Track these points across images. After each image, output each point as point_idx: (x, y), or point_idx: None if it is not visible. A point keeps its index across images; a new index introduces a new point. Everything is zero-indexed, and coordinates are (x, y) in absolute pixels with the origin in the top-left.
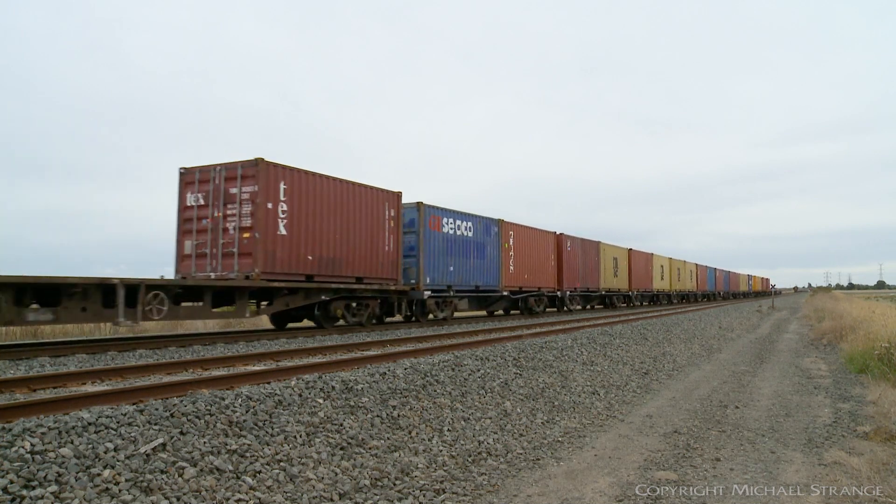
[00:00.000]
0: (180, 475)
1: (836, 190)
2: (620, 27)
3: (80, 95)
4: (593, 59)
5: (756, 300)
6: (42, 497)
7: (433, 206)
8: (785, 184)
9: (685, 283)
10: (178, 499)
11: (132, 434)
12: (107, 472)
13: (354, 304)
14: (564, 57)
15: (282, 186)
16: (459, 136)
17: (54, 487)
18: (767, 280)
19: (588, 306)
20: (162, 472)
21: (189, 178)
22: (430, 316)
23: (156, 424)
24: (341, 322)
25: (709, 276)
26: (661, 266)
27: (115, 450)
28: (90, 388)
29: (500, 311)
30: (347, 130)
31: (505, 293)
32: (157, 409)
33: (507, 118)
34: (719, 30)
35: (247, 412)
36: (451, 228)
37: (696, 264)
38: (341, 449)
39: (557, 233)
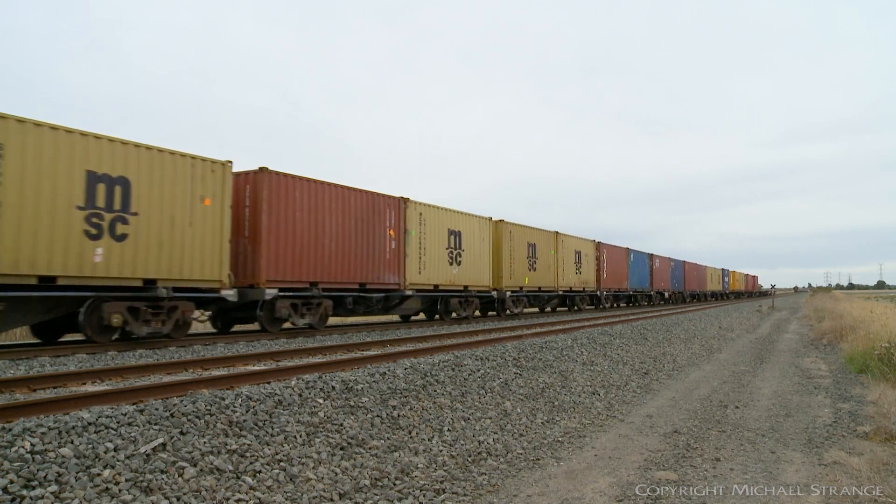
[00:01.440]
0: (180, 475)
1: (836, 190)
2: (620, 27)
3: (80, 95)
4: (593, 59)
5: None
6: (42, 497)
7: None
8: (785, 184)
9: (561, 273)
10: (178, 499)
11: (132, 434)
12: (107, 472)
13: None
14: (564, 57)
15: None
16: (459, 136)
17: (54, 487)
18: (755, 278)
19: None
20: (162, 472)
21: None
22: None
23: (156, 424)
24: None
25: (635, 266)
26: (481, 237)
27: (115, 450)
28: (90, 388)
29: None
30: (347, 130)
31: (560, 292)
32: (157, 409)
33: (507, 118)
34: (719, 30)
35: (247, 412)
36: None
37: (599, 243)
38: (341, 449)
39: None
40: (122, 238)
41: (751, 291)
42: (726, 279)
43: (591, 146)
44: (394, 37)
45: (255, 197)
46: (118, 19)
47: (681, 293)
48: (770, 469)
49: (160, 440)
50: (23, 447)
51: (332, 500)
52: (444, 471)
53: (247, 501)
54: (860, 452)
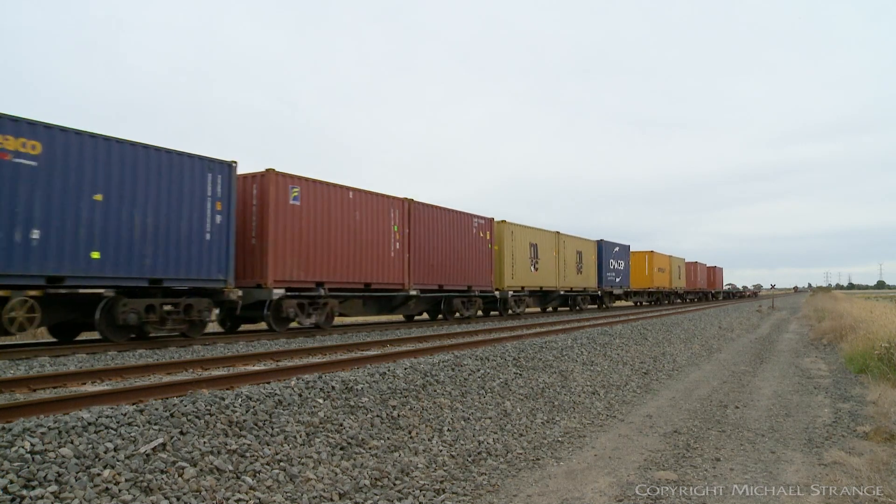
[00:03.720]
0: (180, 475)
1: (836, 190)
2: (617, 27)
3: (78, 95)
4: (590, 60)
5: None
6: (42, 497)
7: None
8: (784, 184)
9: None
10: (178, 499)
11: (132, 434)
12: (107, 472)
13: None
14: (561, 57)
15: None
16: (458, 136)
17: (54, 487)
18: (716, 271)
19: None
20: (162, 472)
21: None
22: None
23: (156, 424)
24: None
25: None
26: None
27: (115, 450)
28: (90, 388)
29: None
30: (345, 131)
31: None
32: (157, 409)
33: (505, 118)
34: (715, 30)
35: (247, 412)
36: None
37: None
38: (341, 449)
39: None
40: None
41: (707, 291)
42: (616, 265)
43: (589, 146)
44: (390, 37)
45: None
46: (112, 17)
47: (422, 293)
48: (770, 469)
49: (160, 440)
50: (23, 447)
51: (332, 500)
52: (444, 471)
53: (247, 501)
54: (860, 452)
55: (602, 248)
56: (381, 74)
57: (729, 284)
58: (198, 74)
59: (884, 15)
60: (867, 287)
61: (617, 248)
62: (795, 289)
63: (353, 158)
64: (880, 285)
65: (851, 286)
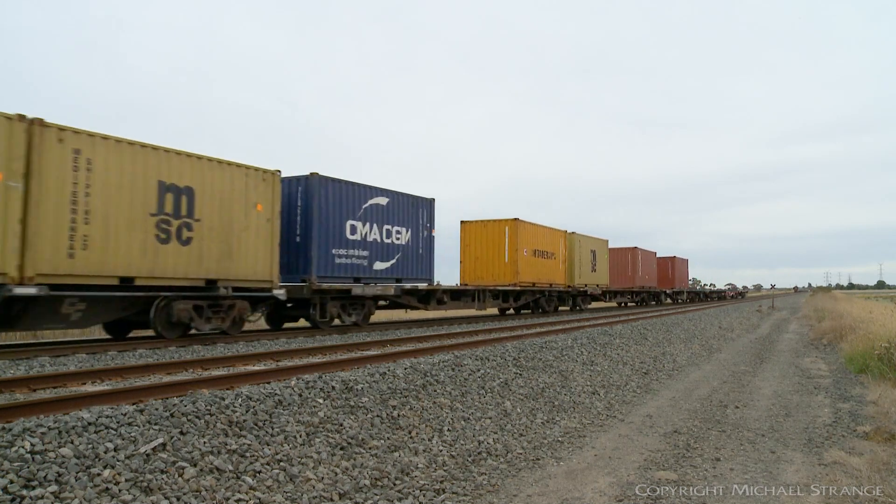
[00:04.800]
0: (180, 475)
1: (836, 190)
2: (617, 27)
3: (79, 95)
4: (590, 60)
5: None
6: (42, 497)
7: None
8: (784, 184)
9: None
10: (178, 499)
11: (132, 434)
12: (107, 472)
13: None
14: (561, 57)
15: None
16: (458, 136)
17: (54, 487)
18: (679, 263)
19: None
20: (162, 471)
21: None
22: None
23: (156, 424)
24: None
25: None
26: None
27: (115, 450)
28: (90, 388)
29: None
30: (346, 131)
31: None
32: (157, 409)
33: (505, 118)
34: (715, 30)
35: (247, 412)
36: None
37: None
38: (341, 449)
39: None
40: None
41: (657, 291)
42: (382, 236)
43: (589, 146)
44: (390, 37)
45: None
46: (112, 17)
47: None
48: (770, 469)
49: (160, 440)
50: (23, 447)
51: (332, 500)
52: (444, 471)
53: (247, 501)
54: (860, 452)
55: (309, 192)
56: (381, 74)
57: (729, 284)
58: (198, 74)
59: (884, 15)
60: (867, 287)
61: (384, 202)
62: (795, 289)
63: (354, 158)
64: (880, 285)
65: (851, 286)
